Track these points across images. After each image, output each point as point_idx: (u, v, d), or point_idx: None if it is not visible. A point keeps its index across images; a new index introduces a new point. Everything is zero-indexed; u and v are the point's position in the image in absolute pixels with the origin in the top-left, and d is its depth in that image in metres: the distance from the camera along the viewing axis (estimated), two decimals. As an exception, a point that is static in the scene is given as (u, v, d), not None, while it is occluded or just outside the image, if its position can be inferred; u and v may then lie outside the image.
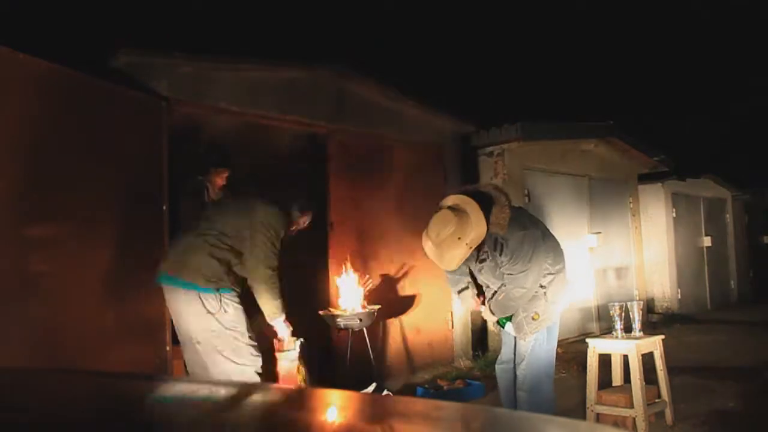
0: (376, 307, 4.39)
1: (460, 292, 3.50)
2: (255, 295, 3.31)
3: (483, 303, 3.45)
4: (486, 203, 3.08)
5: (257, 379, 3.20)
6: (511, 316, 3.35)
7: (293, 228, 3.53)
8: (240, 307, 3.23)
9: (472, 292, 3.47)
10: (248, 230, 3.24)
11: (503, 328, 3.45)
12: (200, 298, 3.12)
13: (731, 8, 16.70)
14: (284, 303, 3.30)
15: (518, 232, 3.14)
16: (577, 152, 7.86)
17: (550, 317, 3.32)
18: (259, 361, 3.25)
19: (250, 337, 3.24)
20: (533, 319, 3.30)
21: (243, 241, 3.24)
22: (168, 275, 3.21)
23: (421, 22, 17.50)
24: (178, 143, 4.26)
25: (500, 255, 3.15)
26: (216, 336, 3.14)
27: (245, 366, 3.18)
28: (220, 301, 3.14)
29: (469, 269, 3.42)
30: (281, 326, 3.37)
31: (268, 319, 3.34)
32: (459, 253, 3.00)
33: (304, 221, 3.58)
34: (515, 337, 3.41)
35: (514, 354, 3.45)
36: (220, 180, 4.46)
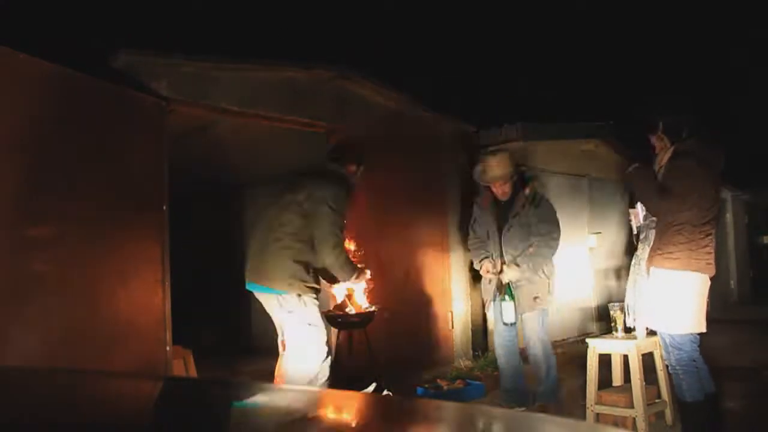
0: (376, 307, 4.38)
1: (481, 260, 4.17)
2: None
3: (501, 270, 4.06)
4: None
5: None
6: (513, 295, 4.00)
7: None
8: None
9: (491, 260, 4.13)
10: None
11: (505, 300, 4.01)
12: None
13: (731, 7, 16.71)
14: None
15: (547, 201, 4.13)
16: (577, 152, 7.86)
17: (545, 302, 4.07)
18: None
19: None
20: (534, 299, 4.01)
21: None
22: None
23: (421, 23, 17.51)
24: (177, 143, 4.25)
25: (531, 215, 4.00)
26: None
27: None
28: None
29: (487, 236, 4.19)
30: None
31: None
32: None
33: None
34: (513, 323, 4.08)
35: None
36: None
